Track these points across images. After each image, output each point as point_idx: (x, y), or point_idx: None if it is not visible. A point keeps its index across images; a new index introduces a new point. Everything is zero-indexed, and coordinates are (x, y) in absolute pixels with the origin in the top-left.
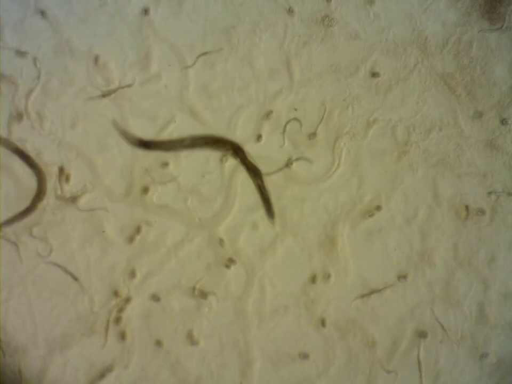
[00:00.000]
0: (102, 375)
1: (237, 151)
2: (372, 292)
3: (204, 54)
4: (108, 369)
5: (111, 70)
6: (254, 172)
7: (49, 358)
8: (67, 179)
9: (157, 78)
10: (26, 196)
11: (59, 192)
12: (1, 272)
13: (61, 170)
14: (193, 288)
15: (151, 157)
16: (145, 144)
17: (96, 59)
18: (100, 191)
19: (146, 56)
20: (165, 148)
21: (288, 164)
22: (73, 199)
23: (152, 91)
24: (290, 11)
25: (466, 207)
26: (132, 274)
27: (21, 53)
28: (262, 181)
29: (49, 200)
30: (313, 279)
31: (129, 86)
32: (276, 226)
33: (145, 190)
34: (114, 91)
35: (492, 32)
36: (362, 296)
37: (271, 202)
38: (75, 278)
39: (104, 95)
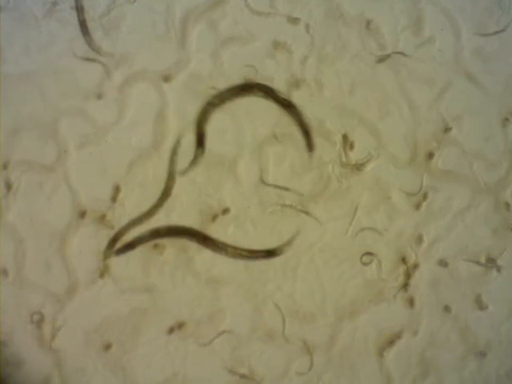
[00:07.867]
0: (391, 342)
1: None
2: None
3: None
4: (397, 336)
5: (383, 34)
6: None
7: (338, 325)
8: (351, 147)
9: (430, 42)
10: None
11: (344, 159)
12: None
13: (345, 137)
14: (481, 253)
15: (433, 123)
16: None
17: (368, 24)
18: (384, 157)
19: (418, 20)
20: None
21: None
22: (359, 166)
23: (426, 55)
24: None
25: None
26: (419, 240)
27: (292, 20)
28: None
29: (334, 168)
30: None
31: (402, 53)
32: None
33: (430, 155)
34: (388, 56)
35: None
36: None
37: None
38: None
39: (379, 61)
